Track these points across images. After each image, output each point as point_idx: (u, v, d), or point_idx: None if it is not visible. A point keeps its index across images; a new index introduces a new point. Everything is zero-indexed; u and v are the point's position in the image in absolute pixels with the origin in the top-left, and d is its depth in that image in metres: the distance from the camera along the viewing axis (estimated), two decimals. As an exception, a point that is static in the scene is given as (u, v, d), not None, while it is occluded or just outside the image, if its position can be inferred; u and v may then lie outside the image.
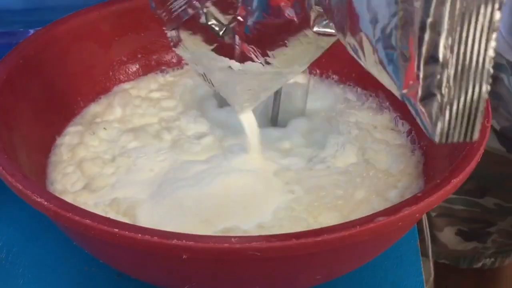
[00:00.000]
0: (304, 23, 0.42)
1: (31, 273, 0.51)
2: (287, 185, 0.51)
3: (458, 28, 0.30)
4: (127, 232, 0.38)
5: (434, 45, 0.30)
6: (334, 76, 0.63)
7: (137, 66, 0.62)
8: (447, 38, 0.30)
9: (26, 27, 0.63)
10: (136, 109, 0.59)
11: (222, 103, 0.59)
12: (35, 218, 0.53)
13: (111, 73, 0.61)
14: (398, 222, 0.38)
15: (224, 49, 0.47)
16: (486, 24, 0.30)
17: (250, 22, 0.45)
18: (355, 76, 0.61)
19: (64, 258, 0.52)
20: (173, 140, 0.56)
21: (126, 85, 0.62)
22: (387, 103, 0.59)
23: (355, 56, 0.37)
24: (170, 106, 0.60)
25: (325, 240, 0.37)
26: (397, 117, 0.58)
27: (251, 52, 0.46)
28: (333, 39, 0.43)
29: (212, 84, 0.51)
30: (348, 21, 0.36)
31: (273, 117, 0.58)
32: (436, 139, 0.32)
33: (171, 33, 0.49)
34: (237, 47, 0.46)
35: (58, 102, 0.56)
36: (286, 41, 0.44)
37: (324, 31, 0.42)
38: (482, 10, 0.30)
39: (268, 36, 0.45)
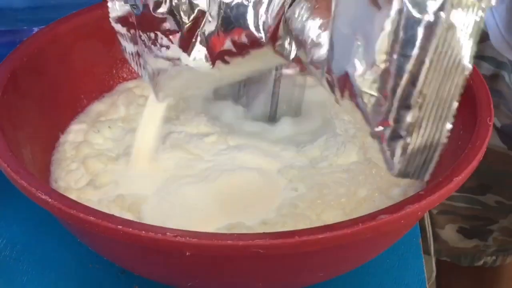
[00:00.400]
0: (270, 42, 0.43)
1: (35, 270, 0.51)
2: (291, 183, 0.51)
3: (433, 81, 0.32)
4: (130, 229, 0.38)
5: (408, 95, 0.32)
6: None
7: (140, 64, 0.62)
8: (420, 90, 0.32)
9: (29, 25, 0.63)
10: (140, 108, 0.59)
11: (220, 97, 0.59)
12: (39, 215, 0.53)
13: (114, 71, 0.61)
14: (400, 220, 0.39)
15: (180, 40, 0.46)
16: (457, 80, 0.32)
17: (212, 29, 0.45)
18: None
19: (68, 255, 0.52)
20: (177, 138, 0.56)
21: (130, 84, 0.62)
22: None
23: (327, 88, 0.38)
24: (174, 105, 0.60)
25: (328, 237, 0.37)
26: None
27: (205, 51, 0.45)
28: (282, 62, 0.44)
29: (143, 67, 0.50)
30: (327, 63, 0.37)
31: (271, 115, 0.58)
32: (394, 175, 0.35)
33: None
34: (195, 42, 0.45)
35: (62, 100, 0.57)
36: (245, 53, 0.43)
37: (282, 53, 0.43)
38: (453, 71, 0.32)
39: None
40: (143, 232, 0.37)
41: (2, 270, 0.51)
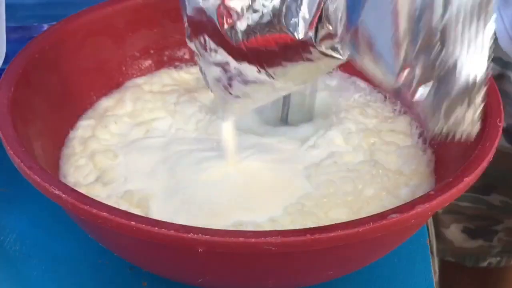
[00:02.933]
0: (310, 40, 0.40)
1: (45, 265, 0.52)
2: (298, 181, 0.51)
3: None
4: (143, 225, 0.38)
5: None
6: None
7: (150, 62, 0.63)
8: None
9: (40, 22, 0.64)
10: (147, 103, 0.59)
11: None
12: (49, 210, 0.53)
13: (124, 68, 0.61)
14: (411, 219, 0.39)
15: (225, 45, 0.45)
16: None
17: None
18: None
19: (77, 251, 0.52)
20: (184, 135, 0.56)
21: (139, 80, 0.62)
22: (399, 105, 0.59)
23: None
24: (181, 101, 0.60)
25: (339, 236, 0.38)
26: (412, 120, 0.57)
27: (248, 55, 0.44)
28: (335, 63, 0.42)
29: (207, 81, 0.50)
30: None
31: (283, 117, 0.58)
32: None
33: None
34: (235, 43, 0.44)
35: (72, 96, 0.57)
36: (286, 56, 0.42)
37: (330, 53, 0.40)
38: None
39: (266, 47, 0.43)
40: (156, 228, 0.38)
41: (12, 265, 0.52)
